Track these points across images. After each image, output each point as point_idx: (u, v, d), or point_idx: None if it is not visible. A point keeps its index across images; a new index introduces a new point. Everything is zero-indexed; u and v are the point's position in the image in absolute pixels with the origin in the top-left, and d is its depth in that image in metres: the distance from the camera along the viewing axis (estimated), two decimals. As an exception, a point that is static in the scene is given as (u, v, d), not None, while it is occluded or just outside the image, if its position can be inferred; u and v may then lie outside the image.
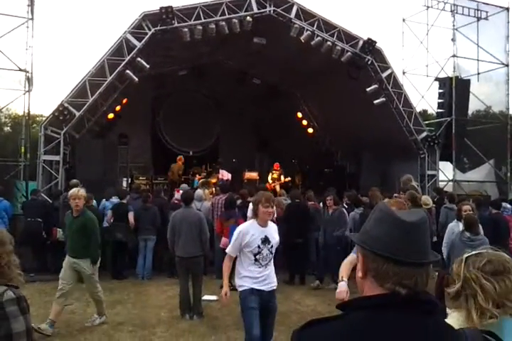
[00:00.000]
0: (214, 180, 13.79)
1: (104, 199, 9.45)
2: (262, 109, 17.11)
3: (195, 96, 18.04)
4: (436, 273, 5.89)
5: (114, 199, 9.28)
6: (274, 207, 4.03)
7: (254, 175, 15.64)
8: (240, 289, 3.95)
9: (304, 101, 17.19)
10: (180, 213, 6.58)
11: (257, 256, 3.94)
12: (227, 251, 4.09)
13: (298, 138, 17.04)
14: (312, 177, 16.15)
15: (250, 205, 7.36)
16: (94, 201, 9.06)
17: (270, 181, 14.65)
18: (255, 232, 3.91)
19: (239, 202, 8.77)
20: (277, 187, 14.14)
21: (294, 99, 17.00)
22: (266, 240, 3.99)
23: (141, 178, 14.96)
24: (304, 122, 17.33)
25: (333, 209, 8.41)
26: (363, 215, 7.99)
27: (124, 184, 14.66)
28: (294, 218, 8.48)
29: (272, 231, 4.10)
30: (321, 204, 9.56)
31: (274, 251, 4.07)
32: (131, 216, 8.75)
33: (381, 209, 1.24)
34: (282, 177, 14.55)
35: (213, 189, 11.29)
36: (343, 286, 3.09)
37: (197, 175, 14.75)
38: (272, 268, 4.06)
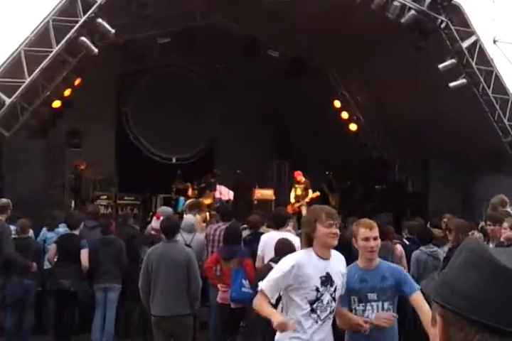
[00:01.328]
0: (209, 201, 13.82)
1: (44, 228, 9.47)
2: (280, 95, 17.21)
3: (181, 75, 18.27)
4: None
5: (61, 229, 9.37)
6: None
7: (268, 193, 15.80)
8: None
9: (344, 84, 17.25)
10: (159, 250, 6.61)
11: (315, 305, 3.87)
12: (261, 287, 3.94)
13: (334, 139, 17.11)
14: (356, 197, 16.27)
15: (265, 238, 7.44)
16: (31, 231, 9.07)
17: (293, 200, 14.71)
18: (313, 267, 3.89)
19: (246, 233, 8.82)
20: (304, 211, 14.16)
21: (328, 80, 17.08)
22: (328, 279, 3.95)
23: (101, 197, 15.10)
24: (344, 115, 17.37)
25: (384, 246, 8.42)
26: (435, 256, 7.93)
27: (75, 205, 14.80)
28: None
29: (337, 264, 4.10)
30: None
31: (338, 298, 4.00)
32: (84, 254, 8.73)
33: (472, 249, 1.21)
34: (310, 193, 14.62)
35: (207, 214, 11.32)
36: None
37: (187, 192, 14.99)
38: (330, 325, 4.00)
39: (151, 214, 14.25)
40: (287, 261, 4.02)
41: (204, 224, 10.01)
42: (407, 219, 11.05)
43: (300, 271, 3.88)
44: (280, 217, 8.16)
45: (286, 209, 12.81)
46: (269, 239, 7.16)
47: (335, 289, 4.00)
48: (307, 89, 16.75)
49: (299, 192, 14.76)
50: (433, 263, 8.00)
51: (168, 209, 10.90)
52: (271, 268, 5.76)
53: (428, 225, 10.10)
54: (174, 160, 18.10)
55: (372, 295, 4.25)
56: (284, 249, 6.26)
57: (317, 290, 3.89)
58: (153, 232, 9.09)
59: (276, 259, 5.96)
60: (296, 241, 7.70)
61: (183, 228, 8.48)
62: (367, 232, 4.26)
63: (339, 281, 4.04)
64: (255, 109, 17.77)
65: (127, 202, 15.23)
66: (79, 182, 15.28)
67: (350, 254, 8.74)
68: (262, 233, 8.32)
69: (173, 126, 17.75)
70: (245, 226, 9.22)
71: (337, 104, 17.31)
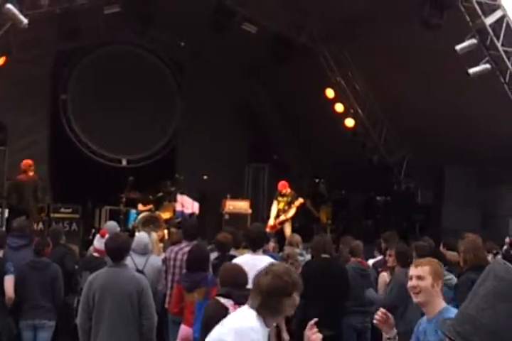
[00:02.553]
0: (167, 215, 13.82)
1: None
2: (259, 82, 17.22)
3: (134, 54, 18.26)
4: None
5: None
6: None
7: (242, 205, 15.80)
8: None
9: (339, 70, 17.31)
10: (103, 277, 6.57)
11: None
12: None
13: (325, 138, 17.16)
14: (352, 210, 16.34)
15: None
16: None
17: (273, 215, 14.78)
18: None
19: (214, 256, 8.82)
20: (287, 229, 14.16)
21: (319, 64, 17.09)
22: None
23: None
24: (339, 107, 17.42)
25: (392, 276, 8.47)
26: (449, 286, 7.92)
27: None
28: (319, 289, 8.53)
29: None
30: (371, 262, 9.72)
31: None
32: (8, 282, 8.63)
33: (502, 277, 1.25)
34: (293, 209, 14.66)
35: (166, 231, 11.30)
36: None
37: (141, 204, 14.93)
38: None
39: (93, 231, 14.15)
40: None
41: (161, 245, 9.97)
42: (415, 239, 11.06)
43: None
44: (257, 235, 8.14)
45: (267, 227, 12.90)
46: (242, 264, 7.13)
47: None
48: (293, 75, 16.80)
49: (281, 205, 14.74)
50: (448, 295, 8.05)
51: (116, 225, 10.86)
52: (219, 305, 5.74)
53: (441, 247, 10.15)
54: (124, 163, 18.07)
55: None
56: (229, 278, 6.25)
57: None
58: (96, 254, 9.05)
59: (224, 292, 5.96)
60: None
61: (134, 249, 8.43)
62: (412, 269, 4.67)
63: None
64: (228, 99, 17.83)
65: (63, 216, 15.06)
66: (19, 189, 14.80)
67: (344, 286, 8.83)
68: (233, 256, 8.32)
69: (123, 119, 17.72)
70: (213, 247, 9.19)
71: (330, 93, 17.32)
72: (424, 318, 4.65)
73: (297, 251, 10.19)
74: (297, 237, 11.39)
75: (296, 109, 17.39)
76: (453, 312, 4.44)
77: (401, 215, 15.10)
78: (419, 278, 4.55)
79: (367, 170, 17.03)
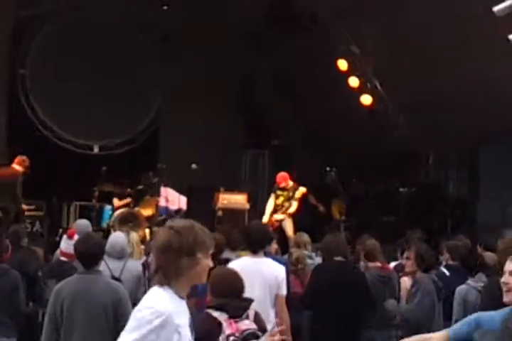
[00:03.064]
0: (149, 212, 13.87)
1: None
2: (257, 54, 17.13)
3: (108, 21, 18.16)
4: None
5: None
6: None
7: (238, 199, 15.83)
8: None
9: (354, 37, 17.24)
10: (72, 286, 6.56)
11: None
12: None
13: (337, 119, 17.13)
14: (370, 205, 16.38)
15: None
16: None
17: (269, 211, 14.73)
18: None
19: None
20: (288, 227, 14.20)
21: (328, 30, 17.02)
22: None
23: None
24: (353, 81, 17.35)
25: (414, 281, 8.49)
26: (490, 293, 7.89)
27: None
28: (333, 298, 8.52)
29: None
30: (392, 265, 9.74)
31: None
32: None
33: None
34: (295, 203, 14.56)
35: (147, 231, 11.25)
36: None
37: (114, 199, 14.87)
38: None
39: (60, 231, 14.09)
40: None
41: (142, 247, 9.89)
42: (447, 238, 11.00)
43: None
44: (259, 234, 8.09)
45: (265, 223, 12.83)
46: (241, 269, 7.07)
47: None
48: (297, 44, 16.74)
49: (281, 200, 14.66)
50: (487, 302, 7.98)
51: (87, 224, 10.82)
52: (211, 320, 5.66)
53: (478, 247, 10.10)
54: (96, 150, 18.05)
55: None
56: (222, 287, 6.16)
57: None
58: (63, 258, 9.01)
59: (217, 304, 5.87)
60: (280, 271, 7.63)
61: (109, 252, 8.34)
62: (508, 264, 4.80)
63: None
64: (220, 73, 17.71)
65: (28, 214, 14.87)
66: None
67: (362, 294, 8.76)
68: (227, 260, 8.33)
69: (94, 98, 17.68)
70: None
71: (342, 65, 17.26)
72: (496, 316, 4.69)
73: (306, 253, 10.22)
74: (305, 237, 11.36)
75: (301, 85, 17.34)
76: None
77: (429, 210, 15.08)
78: None
79: (387, 157, 16.98)
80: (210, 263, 4.14)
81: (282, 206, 14.57)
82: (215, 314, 5.65)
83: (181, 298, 4.11)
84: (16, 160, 14.21)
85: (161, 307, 4.01)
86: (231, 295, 5.88)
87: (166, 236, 4.06)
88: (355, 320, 8.73)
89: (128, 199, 14.64)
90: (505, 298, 4.78)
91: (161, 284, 4.07)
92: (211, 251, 4.15)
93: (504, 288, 4.78)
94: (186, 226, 4.12)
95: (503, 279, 4.81)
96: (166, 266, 4.04)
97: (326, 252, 9.24)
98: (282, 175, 14.80)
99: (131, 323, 4.06)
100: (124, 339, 4.04)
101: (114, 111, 17.95)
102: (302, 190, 14.64)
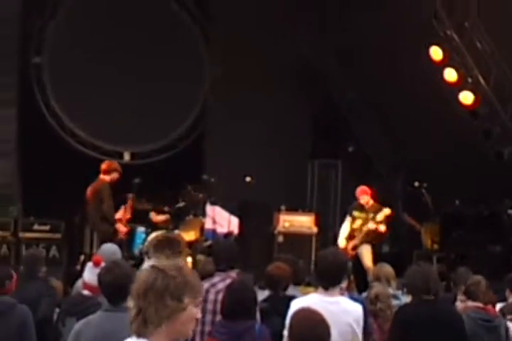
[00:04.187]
0: (192, 236, 13.93)
1: None
2: (324, 38, 17.15)
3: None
4: None
5: None
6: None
7: (304, 220, 15.87)
8: None
9: (450, 16, 17.14)
10: (95, 325, 6.59)
11: None
12: None
13: (430, 119, 17.15)
14: (471, 230, 16.19)
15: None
16: None
17: (344, 235, 14.79)
18: None
19: (263, 296, 8.92)
20: (365, 256, 14.19)
21: (420, 7, 17.02)
22: None
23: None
24: (450, 74, 17.24)
25: None
26: None
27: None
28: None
29: None
30: (498, 307, 9.75)
31: None
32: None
33: None
34: (373, 226, 14.47)
35: (190, 259, 11.41)
36: None
37: (151, 214, 14.92)
38: None
39: (82, 257, 14.18)
40: None
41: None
42: None
43: None
44: (334, 267, 8.03)
45: (340, 249, 12.78)
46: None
47: None
48: (375, 25, 16.80)
49: (358, 224, 14.59)
50: None
51: (115, 250, 10.89)
52: None
53: None
54: (127, 158, 18.22)
55: None
56: (304, 333, 6.09)
57: None
58: (86, 292, 9.04)
59: None
60: (357, 311, 7.61)
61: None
62: None
63: None
64: (280, 60, 17.79)
65: (38, 236, 15.22)
66: None
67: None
68: (292, 297, 8.29)
69: (125, 94, 17.94)
70: (262, 283, 9.33)
71: (436, 53, 17.17)
72: None
73: (390, 291, 10.15)
74: (388, 269, 11.25)
75: (384, 78, 17.26)
76: None
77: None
78: None
79: (493, 169, 16.90)
80: (198, 314, 4.20)
81: (360, 231, 14.47)
82: None
83: None
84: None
85: None
86: None
87: (150, 276, 4.13)
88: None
89: (167, 216, 14.66)
90: None
91: (139, 334, 4.14)
92: (199, 299, 4.21)
93: None
94: (174, 265, 4.21)
95: None
96: (147, 310, 4.11)
97: (412, 288, 9.10)
98: (363, 188, 14.82)
99: None
100: None
101: (149, 110, 18.15)
102: (386, 211, 14.52)
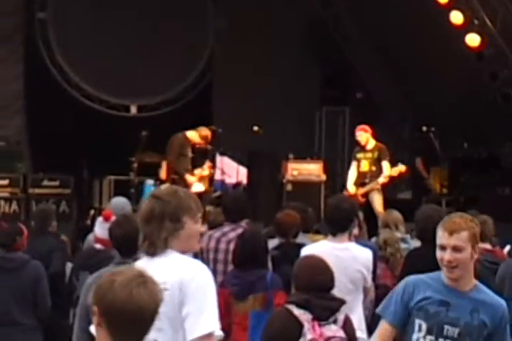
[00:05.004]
0: (202, 187, 13.82)
1: None
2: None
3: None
4: None
5: None
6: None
7: (313, 168, 15.92)
8: None
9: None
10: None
11: None
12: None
13: (436, 63, 17.08)
14: (479, 173, 16.23)
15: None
16: None
17: (352, 181, 14.78)
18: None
19: (273, 244, 8.91)
20: (376, 202, 14.17)
21: None
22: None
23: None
24: (456, 16, 17.12)
25: None
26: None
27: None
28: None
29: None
30: (506, 250, 9.80)
31: None
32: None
33: None
34: (387, 167, 14.41)
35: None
36: None
37: (161, 171, 14.87)
38: None
39: (92, 211, 14.24)
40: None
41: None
42: None
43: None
44: (342, 213, 8.03)
45: (347, 195, 12.77)
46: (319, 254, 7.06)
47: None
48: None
49: (365, 166, 14.53)
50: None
51: (125, 203, 10.94)
52: (291, 319, 5.63)
53: None
54: (134, 111, 18.20)
55: (451, 331, 5.05)
56: (308, 279, 6.05)
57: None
58: (97, 246, 9.09)
59: (299, 300, 5.81)
60: (366, 257, 7.69)
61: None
62: (444, 237, 5.08)
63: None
64: (288, 8, 17.69)
65: (47, 191, 15.27)
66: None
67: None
68: (301, 245, 8.33)
69: (130, 47, 17.83)
70: (271, 231, 9.27)
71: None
72: (437, 280, 5.27)
73: (398, 235, 10.13)
74: (396, 214, 11.24)
75: (389, 23, 17.15)
76: (485, 291, 5.29)
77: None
78: (456, 248, 5.01)
79: (500, 112, 16.78)
80: (201, 228, 4.64)
81: (370, 173, 14.40)
82: (297, 312, 5.63)
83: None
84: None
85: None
86: (318, 289, 5.85)
87: (149, 205, 4.60)
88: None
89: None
90: (448, 275, 5.15)
91: (148, 253, 4.59)
92: (199, 216, 4.59)
93: (449, 266, 5.10)
94: (168, 191, 4.70)
95: (446, 256, 5.05)
96: (152, 235, 4.55)
97: (423, 231, 9.04)
98: (362, 127, 14.72)
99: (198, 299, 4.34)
100: (208, 314, 4.32)
101: (155, 62, 18.06)
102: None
